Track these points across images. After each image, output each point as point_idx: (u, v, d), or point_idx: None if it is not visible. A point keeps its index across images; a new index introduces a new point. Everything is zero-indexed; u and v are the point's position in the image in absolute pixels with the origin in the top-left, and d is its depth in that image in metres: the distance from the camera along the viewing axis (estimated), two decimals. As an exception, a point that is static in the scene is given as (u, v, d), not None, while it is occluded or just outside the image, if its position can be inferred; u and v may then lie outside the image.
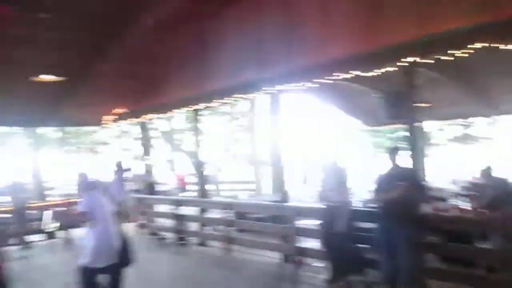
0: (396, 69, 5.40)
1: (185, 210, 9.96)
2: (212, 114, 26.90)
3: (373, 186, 5.61)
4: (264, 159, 21.33)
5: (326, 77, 5.68)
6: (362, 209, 6.56)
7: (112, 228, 4.80)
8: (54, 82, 8.29)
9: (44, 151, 21.64)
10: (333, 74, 5.53)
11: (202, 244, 9.17)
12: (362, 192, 10.99)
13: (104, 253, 4.66)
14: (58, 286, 6.65)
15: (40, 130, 19.69)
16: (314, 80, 5.89)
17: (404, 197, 4.88)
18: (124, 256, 4.98)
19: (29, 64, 7.77)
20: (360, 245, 5.73)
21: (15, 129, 23.40)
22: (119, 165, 5.76)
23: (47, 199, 14.66)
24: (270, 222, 8.47)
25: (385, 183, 5.18)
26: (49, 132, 24.26)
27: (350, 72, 5.36)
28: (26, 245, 9.77)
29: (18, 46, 7.14)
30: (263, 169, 21.04)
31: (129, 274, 5.58)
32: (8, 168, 16.45)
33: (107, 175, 6.10)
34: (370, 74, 5.32)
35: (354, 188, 6.85)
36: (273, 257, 7.49)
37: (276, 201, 8.24)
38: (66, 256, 9.04)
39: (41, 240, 10.65)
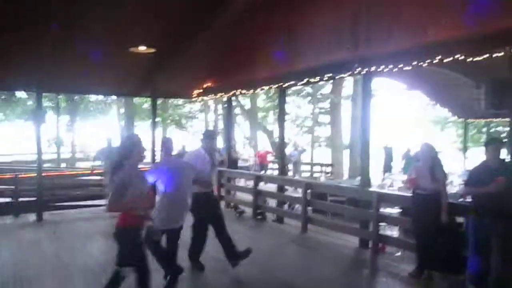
0: (502, 54, 5.01)
1: (264, 187, 10.14)
2: (295, 95, 26.92)
3: (464, 179, 5.33)
4: (343, 143, 21.07)
5: (426, 61, 5.40)
6: (452, 202, 6.22)
7: (180, 194, 4.98)
8: (148, 54, 8.67)
9: (137, 121, 22.99)
10: (435, 57, 5.24)
11: (278, 221, 9.32)
12: (450, 185, 10.49)
13: (170, 217, 4.90)
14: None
15: (135, 100, 20.89)
16: (413, 63, 5.63)
17: (503, 192, 4.58)
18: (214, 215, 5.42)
19: (126, 37, 8.16)
20: (449, 240, 5.48)
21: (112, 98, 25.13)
22: (209, 134, 5.96)
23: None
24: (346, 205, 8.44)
25: (481, 176, 4.88)
26: (143, 102, 25.75)
27: (454, 56, 5.04)
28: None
29: (117, 20, 7.53)
30: (342, 153, 20.80)
31: (208, 244, 5.84)
32: (103, 134, 17.54)
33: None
34: (476, 58, 4.96)
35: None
36: (350, 241, 7.44)
37: (357, 186, 8.13)
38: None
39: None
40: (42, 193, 9.50)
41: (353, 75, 7.26)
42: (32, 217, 9.28)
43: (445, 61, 5.17)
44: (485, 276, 4.68)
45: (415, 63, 5.65)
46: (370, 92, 7.08)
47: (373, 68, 6.34)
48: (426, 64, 5.52)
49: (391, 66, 6.03)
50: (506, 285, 4.64)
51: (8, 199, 10.64)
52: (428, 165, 5.31)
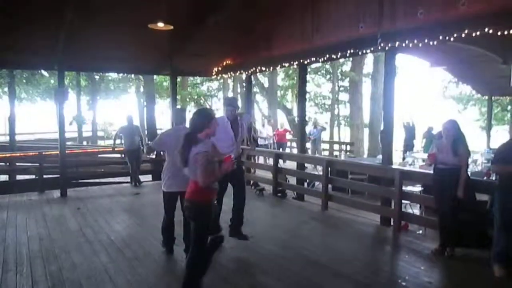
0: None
1: (283, 165, 10.11)
2: (315, 73, 26.63)
3: (487, 158, 5.21)
4: (363, 122, 20.86)
5: (454, 35, 5.23)
6: (476, 179, 6.12)
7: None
8: (167, 32, 8.61)
9: (157, 99, 23.07)
10: (463, 31, 5.07)
11: (299, 198, 9.33)
12: (473, 163, 10.32)
13: (171, 181, 5.13)
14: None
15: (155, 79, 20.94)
16: (440, 38, 5.46)
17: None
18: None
19: (145, 13, 8.11)
20: (472, 216, 5.41)
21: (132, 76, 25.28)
22: (228, 101, 5.90)
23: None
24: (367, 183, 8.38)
25: (508, 154, 4.77)
26: (162, 81, 25.80)
27: (483, 30, 4.86)
28: (139, 183, 10.63)
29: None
30: (362, 132, 20.63)
31: (227, 220, 5.88)
32: (123, 112, 17.60)
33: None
34: (506, 32, 4.78)
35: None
36: (371, 219, 7.42)
37: (379, 164, 8.06)
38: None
39: (151, 180, 11.53)
40: (65, 170, 9.68)
41: (376, 51, 7.09)
42: (56, 193, 9.49)
43: (473, 35, 5.00)
44: (511, 254, 4.62)
45: (441, 37, 5.48)
46: (393, 69, 6.91)
47: (397, 43, 6.19)
48: (453, 39, 5.35)
49: (416, 41, 5.87)
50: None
51: (33, 176, 10.90)
52: (451, 141, 5.19)
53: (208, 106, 28.93)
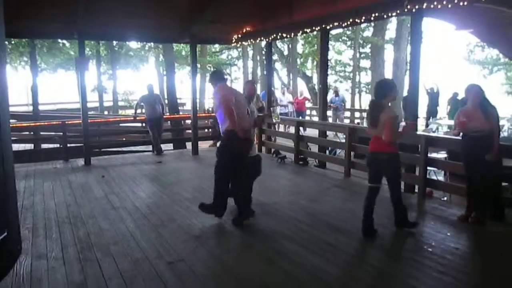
0: None
1: (304, 133, 10.03)
2: (336, 40, 26.09)
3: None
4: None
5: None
6: (503, 144, 5.95)
7: None
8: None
9: (177, 69, 22.99)
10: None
11: (320, 166, 9.29)
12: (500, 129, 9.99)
13: None
14: (186, 187, 7.29)
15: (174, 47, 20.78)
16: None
17: None
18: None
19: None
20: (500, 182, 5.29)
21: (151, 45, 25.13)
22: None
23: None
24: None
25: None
26: (181, 49, 25.60)
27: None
28: (161, 152, 10.71)
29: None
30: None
31: (254, 188, 5.85)
32: (143, 81, 17.60)
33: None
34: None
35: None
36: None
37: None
38: (193, 164, 9.81)
39: (172, 149, 11.61)
40: (88, 139, 9.79)
41: (402, 14, 6.86)
42: (80, 161, 9.64)
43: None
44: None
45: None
46: (420, 33, 6.66)
47: (425, 5, 5.95)
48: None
49: (445, 2, 5.62)
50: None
51: (57, 145, 11.08)
52: (478, 106, 5.02)
53: (228, 75, 28.84)
